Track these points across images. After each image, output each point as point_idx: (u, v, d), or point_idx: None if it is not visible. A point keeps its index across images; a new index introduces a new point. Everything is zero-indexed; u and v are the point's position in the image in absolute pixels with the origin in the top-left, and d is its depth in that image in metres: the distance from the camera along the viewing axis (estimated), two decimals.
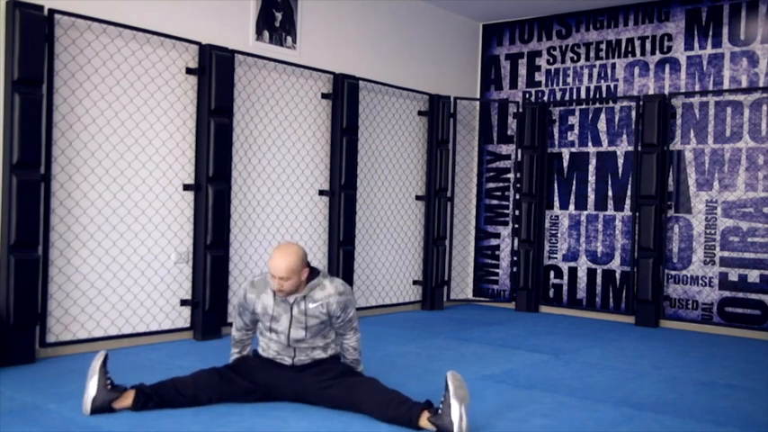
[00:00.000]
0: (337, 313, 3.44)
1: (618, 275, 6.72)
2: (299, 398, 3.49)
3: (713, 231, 6.22)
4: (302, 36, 5.88)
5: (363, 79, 6.27)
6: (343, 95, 6.00)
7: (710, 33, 6.31)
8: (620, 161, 6.74)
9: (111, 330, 4.73)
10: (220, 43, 5.22)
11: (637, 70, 6.69)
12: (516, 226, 7.21)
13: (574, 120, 7.02)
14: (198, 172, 5.13)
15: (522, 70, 7.37)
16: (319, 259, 6.05)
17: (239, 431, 3.14)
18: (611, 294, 6.76)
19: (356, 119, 6.10)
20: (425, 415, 3.12)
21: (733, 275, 6.12)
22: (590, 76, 6.95)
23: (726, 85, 6.23)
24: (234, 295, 5.39)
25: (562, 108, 7.09)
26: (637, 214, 6.50)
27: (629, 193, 6.68)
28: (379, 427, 3.21)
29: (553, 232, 7.11)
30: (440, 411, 3.07)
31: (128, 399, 3.28)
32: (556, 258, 7.09)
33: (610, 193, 6.80)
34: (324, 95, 6.03)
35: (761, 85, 6.07)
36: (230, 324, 5.29)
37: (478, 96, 7.63)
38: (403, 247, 6.89)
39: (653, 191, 6.32)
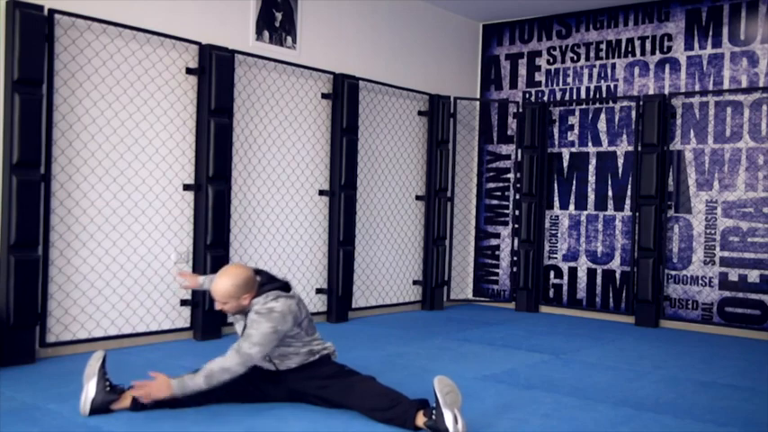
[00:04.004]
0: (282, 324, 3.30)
1: (618, 275, 6.72)
2: (297, 399, 3.49)
3: (713, 231, 6.22)
4: (302, 36, 5.88)
5: (363, 79, 6.28)
6: (343, 95, 6.00)
7: (710, 33, 6.31)
8: (620, 161, 6.74)
9: (111, 330, 4.73)
10: (220, 43, 5.22)
11: (637, 70, 6.69)
12: (516, 226, 7.21)
13: (574, 120, 7.02)
14: (198, 172, 5.13)
15: (522, 70, 7.37)
16: (319, 259, 6.05)
17: (239, 431, 3.14)
18: (611, 294, 6.76)
19: (356, 119, 6.10)
20: (421, 416, 3.12)
21: (733, 275, 6.12)
22: (590, 76, 6.95)
23: (726, 85, 6.23)
24: None
25: (562, 108, 7.09)
26: (637, 214, 6.50)
27: (629, 193, 6.68)
28: (379, 427, 3.22)
29: (553, 232, 7.11)
30: (434, 416, 3.07)
31: (126, 400, 3.28)
32: (556, 258, 7.09)
33: (610, 193, 6.80)
34: (324, 95, 6.03)
35: (761, 85, 6.07)
36: (230, 324, 5.30)
37: (478, 96, 7.63)
38: (403, 247, 6.89)
39: (653, 191, 6.32)
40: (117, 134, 4.74)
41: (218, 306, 3.39)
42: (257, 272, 3.45)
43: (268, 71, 5.63)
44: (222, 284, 3.30)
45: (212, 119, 5.08)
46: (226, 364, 3.24)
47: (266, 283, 3.42)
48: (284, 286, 3.44)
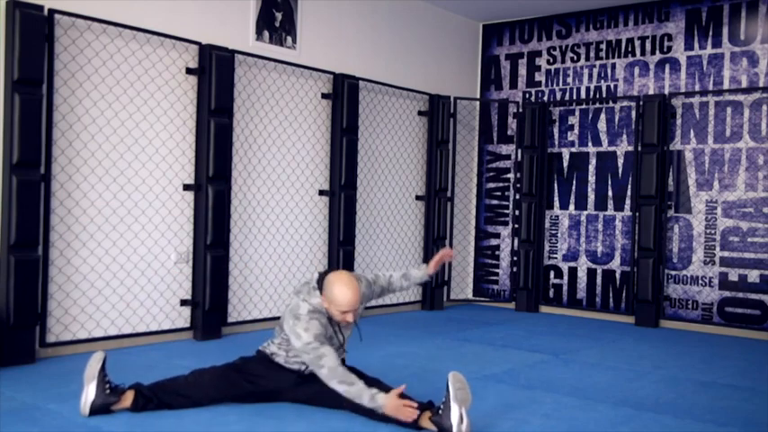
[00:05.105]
0: (368, 291, 3.56)
1: (618, 275, 6.72)
2: (301, 400, 3.49)
3: (713, 231, 6.22)
4: (302, 36, 5.88)
5: (363, 79, 6.27)
6: (343, 95, 6.00)
7: (710, 33, 6.31)
8: (620, 161, 6.74)
9: (111, 330, 4.73)
10: (220, 43, 5.22)
11: (637, 70, 6.69)
12: (516, 226, 7.21)
13: (574, 120, 7.02)
14: (198, 172, 5.13)
15: (522, 70, 7.37)
16: (319, 259, 6.05)
17: (239, 431, 3.14)
18: (611, 294, 6.76)
19: (356, 119, 6.10)
20: (427, 415, 3.13)
21: (733, 275, 6.12)
22: (590, 76, 6.95)
23: (726, 85, 6.23)
24: (233, 295, 5.39)
25: (562, 108, 7.09)
26: (637, 214, 6.50)
27: (629, 193, 6.68)
28: (380, 427, 3.22)
29: (553, 232, 7.11)
30: (440, 412, 3.07)
31: (126, 400, 3.28)
32: (556, 258, 7.09)
33: (610, 193, 6.80)
34: (324, 95, 6.03)
35: (761, 85, 6.07)
36: (230, 324, 5.31)
37: (478, 96, 7.63)
38: (403, 247, 6.89)
39: (653, 191, 6.32)
40: (117, 134, 4.74)
41: (351, 318, 3.31)
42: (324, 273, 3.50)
43: (268, 71, 5.63)
44: (354, 293, 3.28)
45: (212, 119, 5.08)
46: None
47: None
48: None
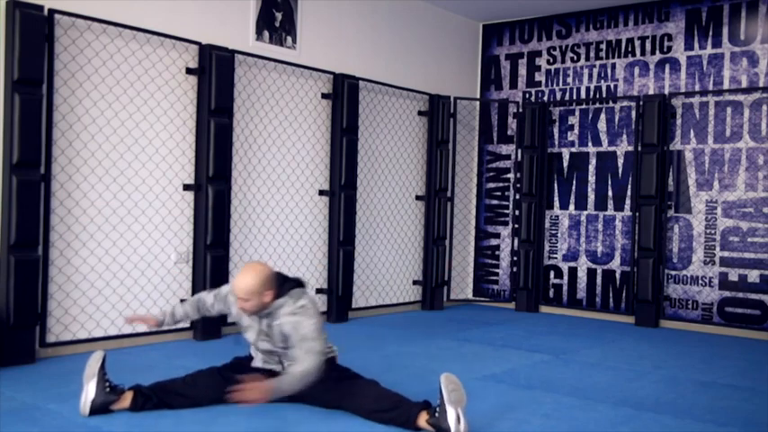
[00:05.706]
0: (290, 333, 3.30)
1: (618, 275, 6.72)
2: (298, 400, 3.48)
3: (713, 231, 6.22)
4: (302, 36, 5.88)
5: (363, 79, 6.28)
6: (343, 95, 6.00)
7: (710, 33, 6.31)
8: (620, 161, 6.74)
9: (111, 330, 4.73)
10: (220, 43, 5.22)
11: (637, 70, 6.69)
12: (516, 226, 7.21)
13: (574, 120, 7.02)
14: (198, 172, 5.13)
15: (522, 70, 7.37)
16: (319, 259, 6.05)
17: (239, 431, 3.14)
18: (611, 294, 6.76)
19: (356, 119, 6.10)
20: (424, 415, 3.12)
21: (733, 275, 6.12)
22: (590, 76, 6.95)
23: (726, 85, 6.23)
24: None
25: (562, 108, 7.09)
26: (637, 214, 6.50)
27: (629, 193, 6.68)
28: (379, 427, 3.22)
29: (553, 232, 7.11)
30: (437, 414, 3.07)
31: (126, 400, 3.28)
32: (556, 258, 7.09)
33: (610, 193, 6.80)
34: (324, 95, 6.03)
35: (761, 85, 6.07)
36: (230, 324, 5.30)
37: (478, 96, 7.63)
38: (403, 247, 6.89)
39: (653, 191, 6.32)
40: (117, 134, 4.74)
41: (239, 304, 3.33)
42: None
43: (268, 71, 5.63)
44: (245, 281, 3.25)
45: (212, 119, 5.08)
46: (309, 366, 3.19)
47: (283, 283, 3.40)
48: (300, 283, 3.46)
